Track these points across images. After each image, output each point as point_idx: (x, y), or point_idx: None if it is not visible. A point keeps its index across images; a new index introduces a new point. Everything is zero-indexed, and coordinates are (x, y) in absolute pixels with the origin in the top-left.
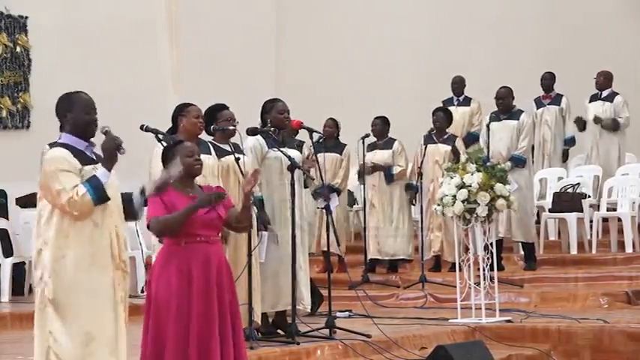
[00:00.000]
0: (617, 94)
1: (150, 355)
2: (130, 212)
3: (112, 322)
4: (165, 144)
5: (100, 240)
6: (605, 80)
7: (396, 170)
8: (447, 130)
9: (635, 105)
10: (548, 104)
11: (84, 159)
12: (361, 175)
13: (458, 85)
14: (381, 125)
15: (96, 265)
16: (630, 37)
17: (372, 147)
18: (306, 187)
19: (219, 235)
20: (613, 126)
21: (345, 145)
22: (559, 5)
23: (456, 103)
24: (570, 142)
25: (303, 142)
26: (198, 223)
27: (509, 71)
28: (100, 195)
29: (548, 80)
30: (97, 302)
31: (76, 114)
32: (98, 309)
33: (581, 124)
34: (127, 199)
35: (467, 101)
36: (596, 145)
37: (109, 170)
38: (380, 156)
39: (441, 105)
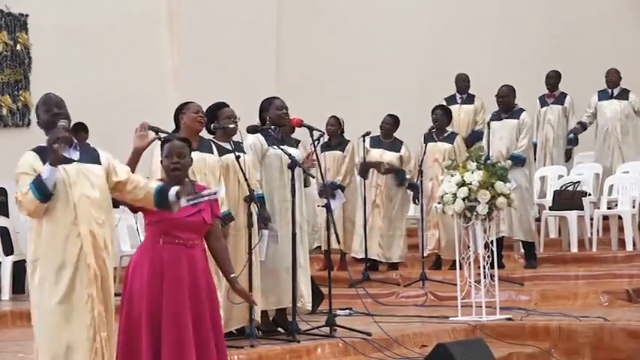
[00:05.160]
0: (629, 91)
1: (122, 356)
2: (165, 204)
3: (85, 341)
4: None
5: (68, 248)
6: (616, 77)
7: (408, 175)
8: (447, 128)
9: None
10: (552, 103)
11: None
12: (363, 169)
13: (463, 82)
14: (392, 125)
15: (62, 276)
16: (632, 33)
17: (376, 143)
18: (306, 186)
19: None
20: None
21: (349, 141)
22: (560, 2)
23: (459, 101)
24: (573, 141)
25: (299, 140)
26: (180, 225)
27: (511, 69)
28: (41, 191)
29: (553, 79)
30: (64, 317)
31: (41, 115)
32: (62, 324)
33: (579, 130)
34: (164, 190)
35: (470, 99)
36: (617, 145)
37: (52, 165)
38: (388, 158)
39: (443, 102)
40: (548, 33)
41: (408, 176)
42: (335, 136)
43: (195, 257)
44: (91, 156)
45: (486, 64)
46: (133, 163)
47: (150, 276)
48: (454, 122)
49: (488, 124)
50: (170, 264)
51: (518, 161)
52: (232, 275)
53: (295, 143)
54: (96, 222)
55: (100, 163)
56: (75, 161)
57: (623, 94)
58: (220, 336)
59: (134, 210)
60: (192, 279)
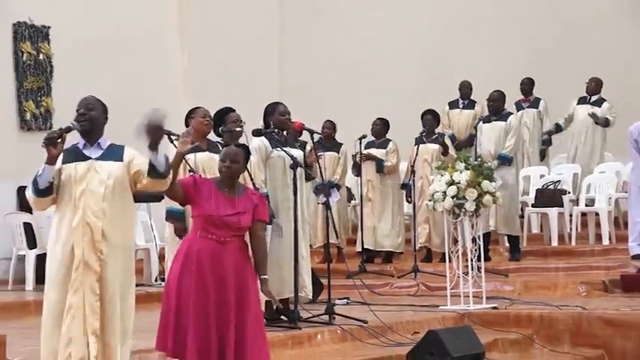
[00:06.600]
0: (605, 100)
1: (172, 328)
2: (157, 176)
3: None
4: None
5: (66, 239)
6: (595, 86)
7: (386, 163)
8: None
9: (626, 103)
10: (527, 107)
11: (74, 157)
12: (356, 166)
13: (466, 89)
14: (381, 126)
15: (61, 268)
16: (632, 33)
17: (369, 146)
18: (307, 180)
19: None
20: (605, 123)
21: (342, 144)
22: (560, 2)
23: (461, 106)
24: (547, 142)
25: (306, 142)
26: (214, 221)
27: (511, 69)
28: (34, 187)
29: (527, 85)
30: (53, 317)
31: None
32: (53, 326)
33: (553, 132)
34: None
35: (471, 104)
36: (581, 145)
37: (47, 163)
38: (375, 153)
39: (446, 106)
40: (548, 33)
41: (385, 164)
42: (330, 139)
43: (221, 253)
44: (112, 154)
45: (487, 64)
46: (176, 165)
47: (180, 273)
48: (454, 125)
49: (475, 127)
50: (199, 258)
51: (506, 160)
52: (263, 277)
53: (301, 145)
54: (94, 214)
55: (121, 160)
56: (91, 159)
57: (599, 102)
58: (251, 328)
59: (182, 203)
60: (216, 275)
